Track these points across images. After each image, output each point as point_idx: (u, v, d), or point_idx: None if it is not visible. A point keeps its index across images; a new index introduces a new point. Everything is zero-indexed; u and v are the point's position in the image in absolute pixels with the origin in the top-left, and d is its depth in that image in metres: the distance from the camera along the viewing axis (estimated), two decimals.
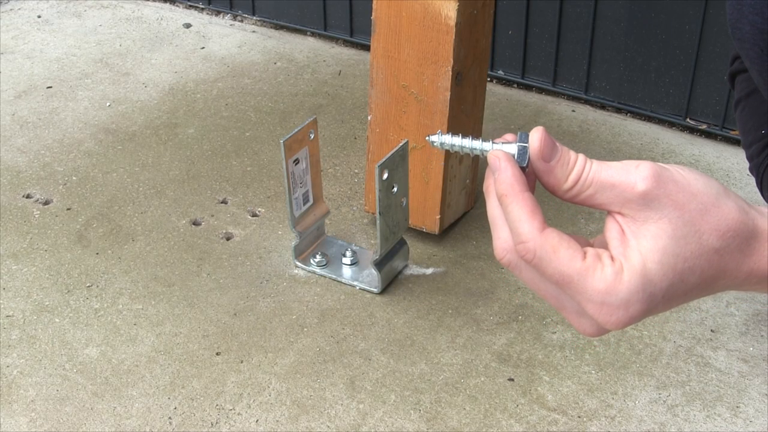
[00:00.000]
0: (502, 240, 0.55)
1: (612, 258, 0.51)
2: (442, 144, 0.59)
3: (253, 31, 1.95)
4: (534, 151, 0.54)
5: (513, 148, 0.55)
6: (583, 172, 0.53)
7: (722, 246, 0.51)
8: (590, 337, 0.61)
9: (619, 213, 0.52)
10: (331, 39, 1.90)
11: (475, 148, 0.58)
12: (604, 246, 0.53)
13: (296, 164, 1.19)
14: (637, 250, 0.51)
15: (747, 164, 1.05)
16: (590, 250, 0.52)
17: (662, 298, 0.51)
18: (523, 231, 0.52)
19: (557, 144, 0.54)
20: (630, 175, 0.51)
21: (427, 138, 0.60)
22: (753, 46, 0.75)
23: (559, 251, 0.51)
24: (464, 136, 0.58)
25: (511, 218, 0.53)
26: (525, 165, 0.54)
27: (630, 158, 1.68)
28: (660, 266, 0.50)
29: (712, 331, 1.16)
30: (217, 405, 1.05)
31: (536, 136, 0.54)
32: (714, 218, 0.51)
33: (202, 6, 2.04)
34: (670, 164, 0.53)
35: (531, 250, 0.52)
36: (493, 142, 0.56)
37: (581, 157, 0.54)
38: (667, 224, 0.51)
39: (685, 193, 0.51)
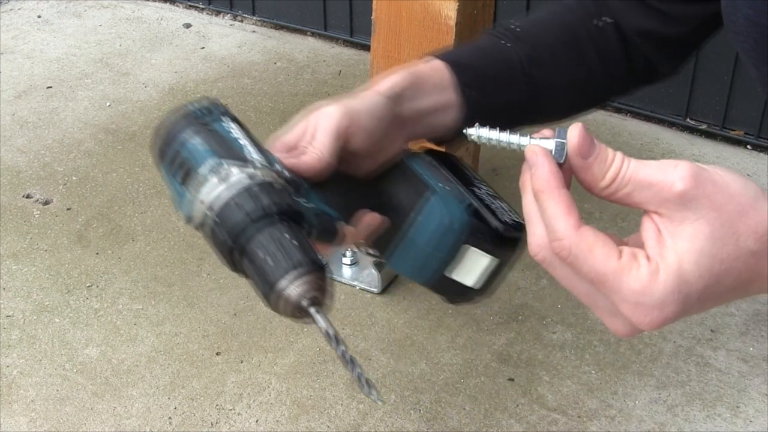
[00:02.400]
0: (537, 236, 0.54)
1: (648, 258, 0.51)
2: (479, 137, 0.58)
3: (253, 31, 1.95)
4: (572, 148, 0.53)
5: (551, 144, 0.54)
6: (621, 170, 0.52)
7: (759, 249, 0.51)
8: (623, 338, 0.60)
9: (656, 212, 0.52)
10: (331, 39, 1.90)
11: (512, 143, 0.56)
12: (640, 245, 0.52)
13: None
14: (673, 251, 0.50)
15: (747, 164, 1.04)
16: (626, 249, 0.51)
17: (697, 300, 0.51)
18: (559, 228, 0.51)
19: (595, 141, 0.54)
20: (668, 174, 0.51)
21: (464, 131, 0.58)
22: (747, 38, 0.75)
23: (594, 250, 0.51)
24: (502, 129, 0.57)
25: (547, 215, 0.52)
26: (562, 161, 0.54)
27: None
28: (696, 267, 0.50)
29: (712, 331, 1.16)
30: (217, 405, 1.05)
31: (575, 133, 0.53)
32: (752, 220, 0.51)
33: (202, 6, 2.04)
34: (709, 164, 0.53)
35: (566, 247, 0.51)
36: (530, 137, 0.56)
37: (619, 154, 0.53)
38: (704, 225, 0.50)
39: (723, 194, 0.51)
